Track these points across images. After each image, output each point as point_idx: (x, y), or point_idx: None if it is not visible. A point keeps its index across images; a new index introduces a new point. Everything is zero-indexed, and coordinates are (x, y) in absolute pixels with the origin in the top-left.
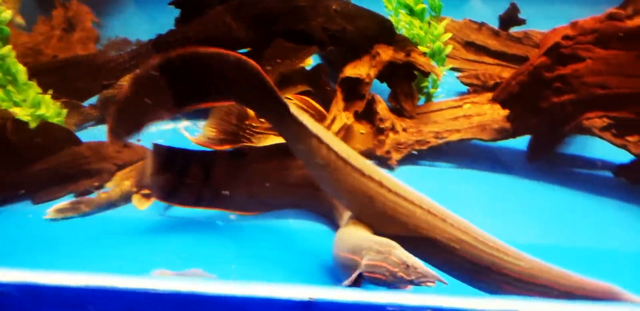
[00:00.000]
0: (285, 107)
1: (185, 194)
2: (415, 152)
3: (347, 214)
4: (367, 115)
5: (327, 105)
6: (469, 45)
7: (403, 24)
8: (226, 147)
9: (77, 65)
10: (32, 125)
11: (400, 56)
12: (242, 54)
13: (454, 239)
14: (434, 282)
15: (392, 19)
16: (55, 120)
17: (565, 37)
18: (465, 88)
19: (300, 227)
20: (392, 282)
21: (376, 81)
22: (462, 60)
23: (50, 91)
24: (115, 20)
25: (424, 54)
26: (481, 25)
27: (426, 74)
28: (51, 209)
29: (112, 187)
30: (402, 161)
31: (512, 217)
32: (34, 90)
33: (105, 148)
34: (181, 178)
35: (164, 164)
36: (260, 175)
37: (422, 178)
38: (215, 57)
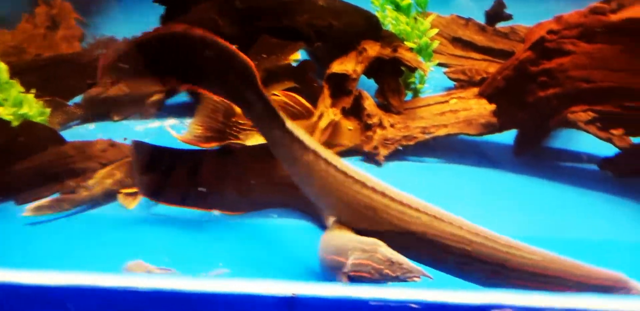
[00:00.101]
0: (280, 121)
1: (171, 193)
2: (400, 148)
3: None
4: (355, 111)
5: (314, 101)
6: (456, 41)
7: (389, 20)
8: (213, 144)
9: (62, 63)
10: (15, 124)
11: (387, 52)
12: None
13: (464, 242)
14: (419, 277)
15: (378, 14)
16: (38, 119)
17: (550, 32)
18: (452, 83)
19: (288, 225)
20: (378, 280)
21: (363, 77)
22: (449, 55)
23: (33, 90)
24: (100, 18)
25: (411, 49)
26: (468, 21)
27: (413, 70)
28: (30, 206)
29: (94, 185)
30: (390, 157)
31: (499, 211)
32: (16, 89)
33: (90, 147)
34: (166, 177)
35: (148, 163)
36: (247, 174)
37: (410, 173)
38: (200, 41)
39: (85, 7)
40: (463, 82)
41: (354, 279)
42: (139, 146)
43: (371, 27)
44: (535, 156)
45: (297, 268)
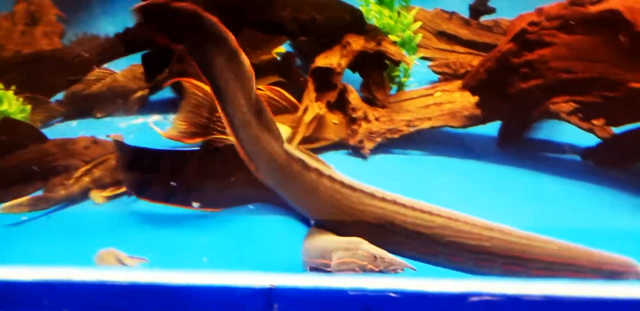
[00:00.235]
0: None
1: (154, 191)
2: (379, 139)
3: None
4: (340, 105)
5: (299, 95)
6: (441, 35)
7: (373, 14)
8: (197, 140)
9: (42, 60)
10: None
11: (371, 46)
12: None
13: (482, 238)
14: (402, 269)
15: (362, 8)
16: (19, 116)
17: (531, 23)
18: (437, 77)
19: (268, 220)
20: None
21: (348, 71)
22: (434, 49)
23: (13, 87)
24: (81, 14)
25: (395, 43)
26: (452, 14)
27: (397, 63)
28: (5, 205)
29: (71, 183)
30: (375, 150)
31: (484, 202)
32: None
33: (72, 145)
34: (150, 174)
35: (132, 161)
36: (228, 171)
37: (395, 166)
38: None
39: (66, 3)
40: (448, 76)
41: None
42: (121, 146)
43: (355, 21)
44: (519, 148)
45: (278, 261)
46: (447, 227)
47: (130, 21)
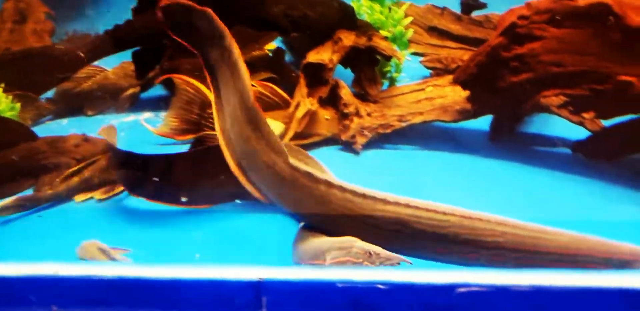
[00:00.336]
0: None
1: (146, 189)
2: (371, 135)
3: None
4: (332, 100)
5: (291, 91)
6: (432, 30)
7: (365, 9)
8: (189, 137)
9: (32, 57)
10: None
11: (363, 41)
12: None
13: (496, 234)
14: (399, 263)
15: (353, 4)
16: (8, 114)
17: (521, 17)
18: (428, 72)
19: (257, 215)
20: None
21: (340, 67)
22: (425, 45)
23: (2, 85)
24: (71, 12)
25: (386, 38)
26: (443, 10)
27: (388, 58)
28: None
29: (58, 183)
30: (367, 145)
31: (477, 196)
32: None
33: (63, 143)
34: (140, 175)
35: (121, 164)
36: (218, 168)
37: (387, 161)
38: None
39: (55, 1)
40: (439, 71)
41: None
42: (112, 149)
43: (346, 17)
44: (510, 141)
45: (268, 254)
46: (461, 225)
47: (120, 18)
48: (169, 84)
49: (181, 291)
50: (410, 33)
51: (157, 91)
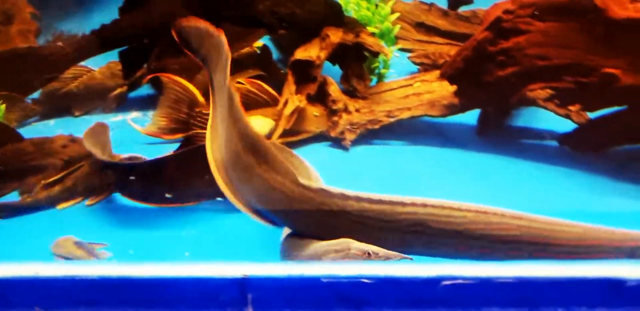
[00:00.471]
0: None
1: (132, 190)
2: (360, 131)
3: None
4: (320, 97)
5: (279, 89)
6: (420, 26)
7: (352, 6)
8: (177, 136)
9: (17, 58)
10: None
11: (350, 38)
12: None
13: (512, 228)
14: (399, 260)
15: (340, 1)
16: None
17: (506, 12)
18: (416, 68)
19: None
20: None
21: (329, 64)
22: (413, 41)
23: None
24: (58, 11)
25: (373, 34)
26: (430, 6)
27: (375, 54)
28: None
29: (38, 191)
30: (356, 141)
31: (466, 189)
32: None
33: (50, 144)
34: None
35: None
36: (203, 168)
37: (377, 156)
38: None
39: (41, 1)
40: (427, 66)
41: None
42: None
43: (334, 14)
44: (498, 135)
45: (254, 250)
46: (478, 221)
47: (106, 19)
48: (157, 83)
49: (166, 289)
50: (397, 29)
51: (145, 90)
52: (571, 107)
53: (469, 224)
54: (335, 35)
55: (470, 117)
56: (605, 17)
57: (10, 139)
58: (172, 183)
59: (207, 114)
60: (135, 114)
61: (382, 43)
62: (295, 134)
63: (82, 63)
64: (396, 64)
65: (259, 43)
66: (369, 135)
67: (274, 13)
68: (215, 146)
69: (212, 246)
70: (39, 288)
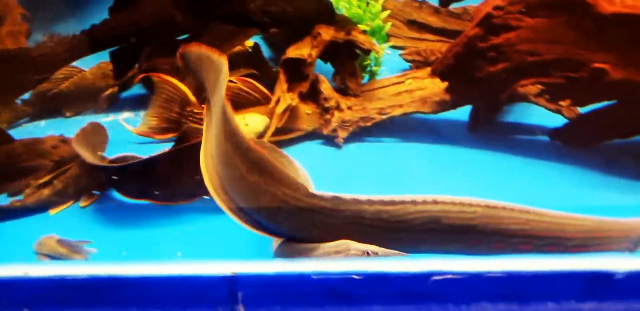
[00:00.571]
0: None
1: (129, 187)
2: (352, 128)
3: None
4: (312, 95)
5: (271, 87)
6: (411, 24)
7: (343, 4)
8: (169, 136)
9: (7, 59)
10: None
11: (341, 35)
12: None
13: (522, 222)
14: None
15: None
16: None
17: (496, 8)
18: (408, 65)
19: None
20: None
21: (321, 62)
22: (405, 38)
23: None
24: (48, 14)
25: (364, 32)
26: (422, 3)
27: (367, 52)
28: None
29: (27, 194)
30: (349, 139)
31: (459, 185)
32: None
33: (40, 144)
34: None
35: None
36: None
37: (370, 154)
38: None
39: (31, 2)
40: (419, 63)
41: None
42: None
43: (325, 12)
44: (489, 131)
45: (245, 248)
46: (489, 216)
47: (97, 20)
48: (149, 83)
49: (155, 288)
50: (388, 27)
51: (137, 90)
52: (562, 103)
53: (481, 219)
54: (326, 33)
55: (462, 113)
56: (594, 13)
57: (0, 141)
58: (166, 180)
59: (199, 113)
60: (127, 114)
61: (374, 41)
62: (287, 132)
63: (73, 64)
64: (388, 62)
65: (250, 42)
66: (361, 132)
67: (265, 11)
68: (211, 167)
69: (205, 246)
70: (28, 288)
